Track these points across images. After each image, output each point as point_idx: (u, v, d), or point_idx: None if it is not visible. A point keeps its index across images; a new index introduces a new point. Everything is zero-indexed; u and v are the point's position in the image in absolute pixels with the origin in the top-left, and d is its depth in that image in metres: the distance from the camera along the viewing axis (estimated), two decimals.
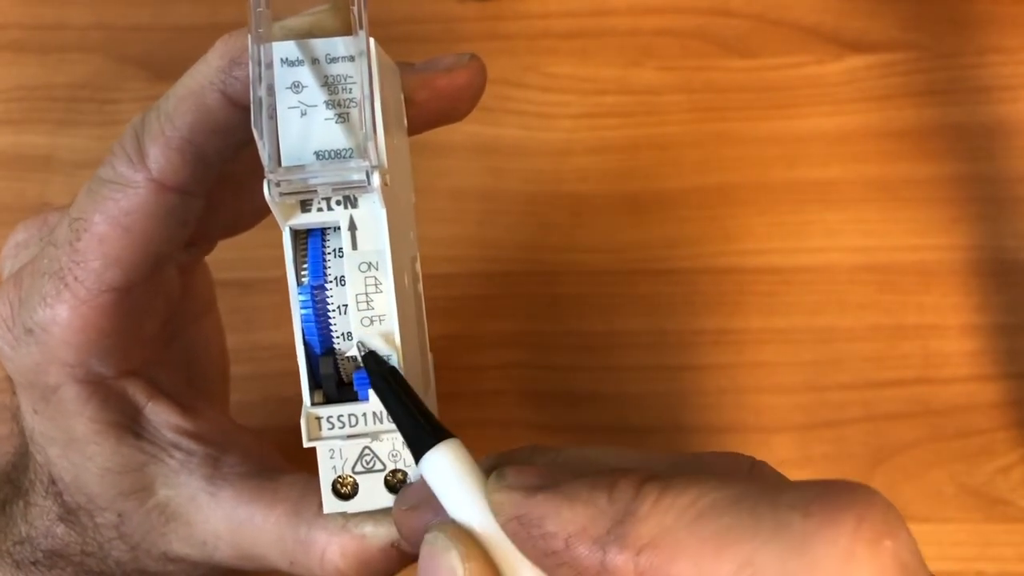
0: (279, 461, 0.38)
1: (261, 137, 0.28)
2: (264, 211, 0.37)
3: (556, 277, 0.56)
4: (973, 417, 0.52)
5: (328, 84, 0.29)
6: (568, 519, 0.26)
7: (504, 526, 0.27)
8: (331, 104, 0.29)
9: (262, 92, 0.28)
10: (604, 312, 0.55)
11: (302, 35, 0.30)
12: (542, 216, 0.57)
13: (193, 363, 0.41)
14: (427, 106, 0.34)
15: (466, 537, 0.27)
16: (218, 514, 0.34)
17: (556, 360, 0.54)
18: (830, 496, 0.24)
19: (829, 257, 0.55)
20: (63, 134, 0.58)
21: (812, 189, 0.56)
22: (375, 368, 0.29)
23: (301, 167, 0.28)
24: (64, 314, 0.33)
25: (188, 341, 0.40)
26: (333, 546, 0.33)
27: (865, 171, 0.56)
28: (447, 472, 0.28)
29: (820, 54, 0.58)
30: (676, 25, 0.59)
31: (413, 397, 0.29)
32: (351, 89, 0.29)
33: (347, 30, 0.30)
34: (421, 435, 0.28)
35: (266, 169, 0.28)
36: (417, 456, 0.28)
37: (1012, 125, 0.57)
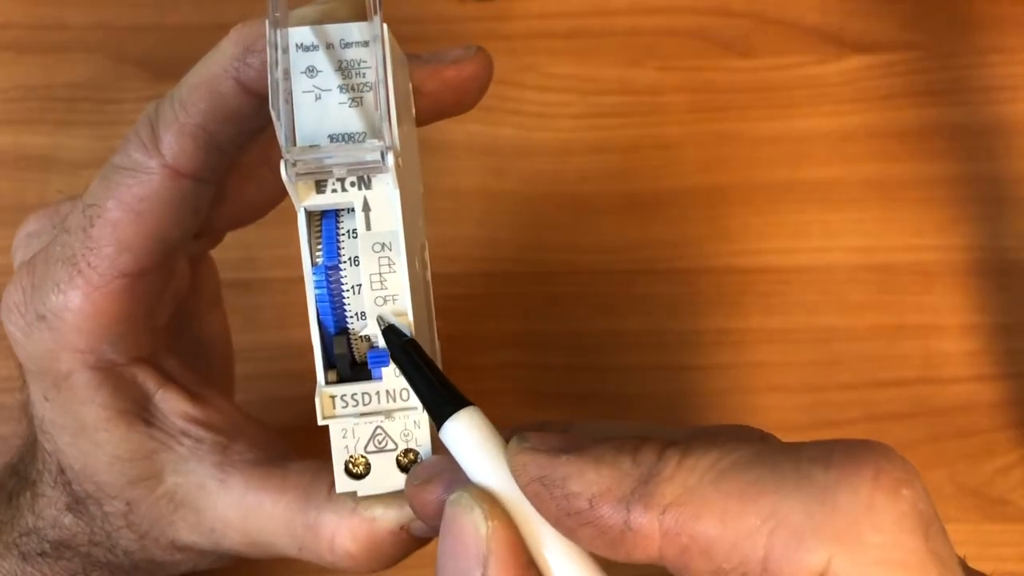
0: (286, 449, 0.38)
1: (278, 119, 0.28)
2: (273, 201, 0.38)
3: (556, 277, 0.55)
4: (973, 417, 0.52)
5: (342, 69, 0.29)
6: (592, 480, 0.26)
7: (526, 487, 0.27)
8: (345, 88, 0.29)
9: (279, 76, 0.29)
10: (604, 312, 0.55)
11: (315, 23, 0.30)
12: (542, 216, 0.57)
13: (201, 356, 0.41)
14: (435, 97, 0.34)
15: (489, 497, 0.27)
16: (227, 501, 0.34)
17: (555, 360, 0.54)
18: (849, 450, 0.25)
19: (829, 257, 0.55)
20: (63, 134, 0.58)
21: (812, 189, 0.56)
22: (395, 340, 0.30)
23: (317, 147, 0.29)
24: (77, 300, 0.33)
25: (196, 334, 0.40)
26: (343, 529, 0.33)
27: (865, 171, 0.56)
28: (468, 437, 0.28)
29: (820, 54, 0.59)
30: (676, 25, 0.60)
31: (432, 367, 0.29)
32: (365, 74, 0.29)
33: (359, 18, 0.30)
34: (442, 402, 0.28)
35: (283, 150, 0.28)
36: (439, 423, 0.28)
37: (1012, 125, 0.57)
